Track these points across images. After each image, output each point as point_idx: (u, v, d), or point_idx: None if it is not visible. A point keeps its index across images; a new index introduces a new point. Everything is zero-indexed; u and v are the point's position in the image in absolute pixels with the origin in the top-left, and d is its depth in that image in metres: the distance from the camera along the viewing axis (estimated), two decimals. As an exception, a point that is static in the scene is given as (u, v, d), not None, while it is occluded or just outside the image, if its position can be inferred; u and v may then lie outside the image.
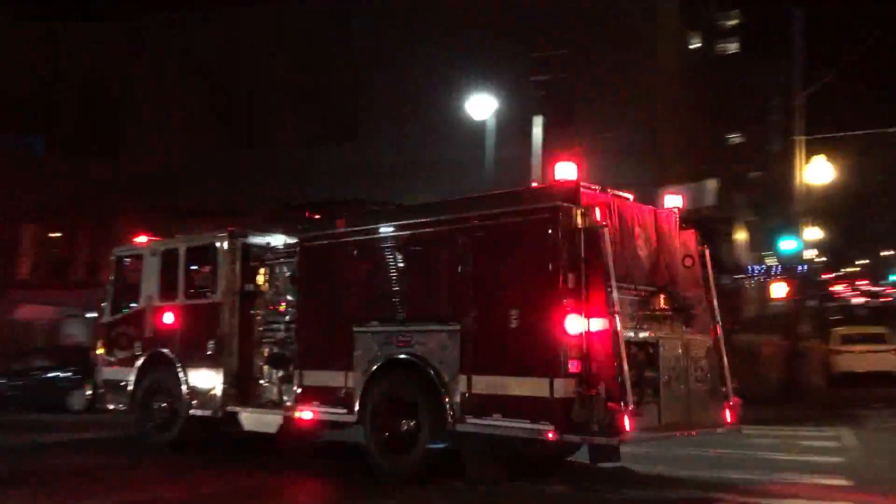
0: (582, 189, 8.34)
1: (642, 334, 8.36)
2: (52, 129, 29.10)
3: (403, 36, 24.94)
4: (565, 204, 8.09)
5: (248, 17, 27.61)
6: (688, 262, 9.28)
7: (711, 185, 24.53)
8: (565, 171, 8.34)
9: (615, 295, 7.81)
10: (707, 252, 9.56)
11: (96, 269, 25.66)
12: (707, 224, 16.33)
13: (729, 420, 8.95)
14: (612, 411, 7.52)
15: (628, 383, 7.65)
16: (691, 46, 28.73)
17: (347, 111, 26.28)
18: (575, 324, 7.81)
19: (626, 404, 7.54)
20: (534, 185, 9.08)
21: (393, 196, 20.23)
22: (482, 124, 19.66)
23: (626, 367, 7.67)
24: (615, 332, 7.69)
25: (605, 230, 8.05)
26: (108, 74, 28.56)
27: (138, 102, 28.09)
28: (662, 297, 8.70)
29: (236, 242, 11.41)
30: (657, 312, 8.61)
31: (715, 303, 9.27)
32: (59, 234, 29.39)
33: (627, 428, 7.52)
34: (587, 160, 9.25)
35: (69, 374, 20.31)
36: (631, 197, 9.16)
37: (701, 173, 25.39)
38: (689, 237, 9.47)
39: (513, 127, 20.43)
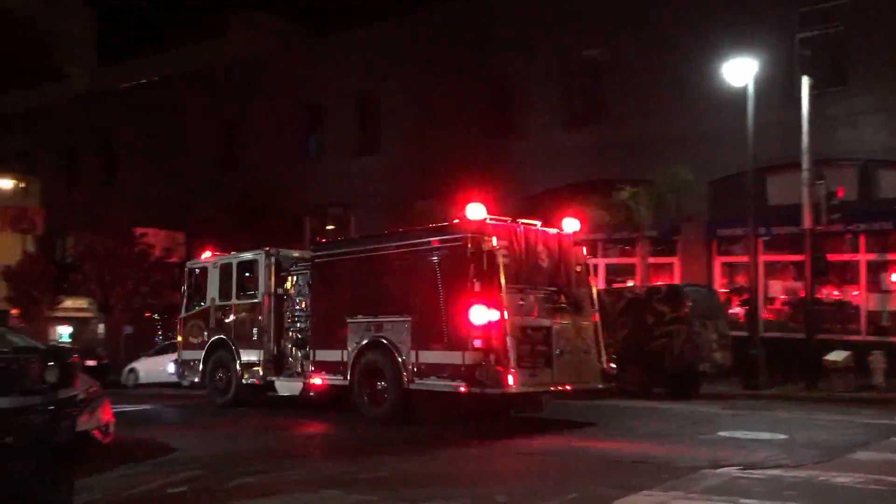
0: (488, 222, 12.15)
1: (542, 321, 12.44)
2: (326, 133, 31.82)
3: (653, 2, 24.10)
4: (473, 234, 11.94)
5: (500, 3, 27.63)
6: (578, 269, 13.34)
7: None
8: (475, 211, 12.08)
9: (505, 296, 11.74)
10: (590, 262, 13.96)
11: None
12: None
13: (601, 383, 13.15)
14: (499, 372, 11.66)
15: (511, 354, 11.60)
16: None
17: (596, 90, 25.70)
18: (478, 315, 11.75)
19: (509, 368, 11.59)
20: (455, 221, 12.46)
21: (644, 173, 21.89)
22: (739, 92, 18.65)
23: (509, 342, 11.66)
24: (504, 321, 11.77)
25: (500, 252, 11.87)
26: (367, 76, 30.10)
27: (393, 101, 29.60)
28: (561, 294, 12.76)
29: (271, 258, 16.19)
30: (556, 305, 12.65)
31: (595, 297, 13.43)
32: (333, 227, 31.14)
33: (511, 383, 11.64)
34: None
35: None
36: (538, 223, 13.13)
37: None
38: (580, 251, 13.54)
39: (776, 91, 19.81)
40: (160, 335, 34.62)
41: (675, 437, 11.54)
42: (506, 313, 11.74)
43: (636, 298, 18.61)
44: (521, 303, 12.16)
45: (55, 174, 40.04)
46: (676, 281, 22.58)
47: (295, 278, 15.77)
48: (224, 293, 16.87)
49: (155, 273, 30.90)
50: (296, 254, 16.54)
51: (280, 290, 16.01)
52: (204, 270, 17.55)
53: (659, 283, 21.67)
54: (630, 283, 23.58)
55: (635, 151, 23.68)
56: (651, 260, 23.13)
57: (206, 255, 17.96)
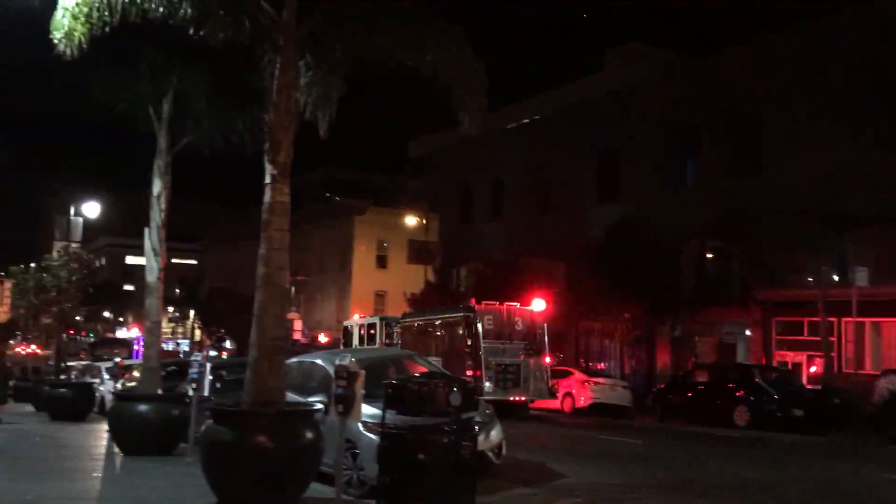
0: (479, 306, 22.35)
1: (515, 360, 21.81)
2: (704, 155, 30.91)
3: None
4: (466, 314, 22.15)
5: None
6: (539, 330, 22.78)
7: None
8: (467, 307, 22.68)
9: (483, 347, 21.42)
10: (546, 325, 23.22)
11: (749, 286, 27.30)
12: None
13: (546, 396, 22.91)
14: (477, 386, 16.73)
15: (484, 378, 20.93)
16: None
17: None
18: (471, 358, 20.67)
19: (482, 385, 20.42)
20: (461, 306, 23.69)
21: None
22: None
23: (484, 372, 21.07)
24: (483, 359, 21.07)
25: (480, 325, 21.58)
26: (746, 95, 29.03)
27: (781, 118, 27.84)
28: (526, 345, 22.25)
29: (383, 322, 27.08)
30: (524, 351, 22.16)
31: (546, 345, 22.92)
32: (711, 255, 30.85)
33: (486, 390, 20.30)
34: None
35: (730, 390, 21.71)
36: (518, 304, 23.11)
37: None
38: (541, 318, 22.80)
39: None
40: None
41: None
42: (482, 357, 21.25)
43: None
44: (501, 349, 21.72)
45: (451, 211, 44.28)
46: None
47: (395, 334, 25.79)
48: (360, 342, 27.63)
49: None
50: (395, 317, 27.10)
51: (388, 341, 25.90)
52: (351, 327, 29.22)
53: None
54: None
55: None
56: None
57: (356, 316, 29.75)
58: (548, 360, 22.83)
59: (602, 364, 32.03)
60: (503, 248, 35.82)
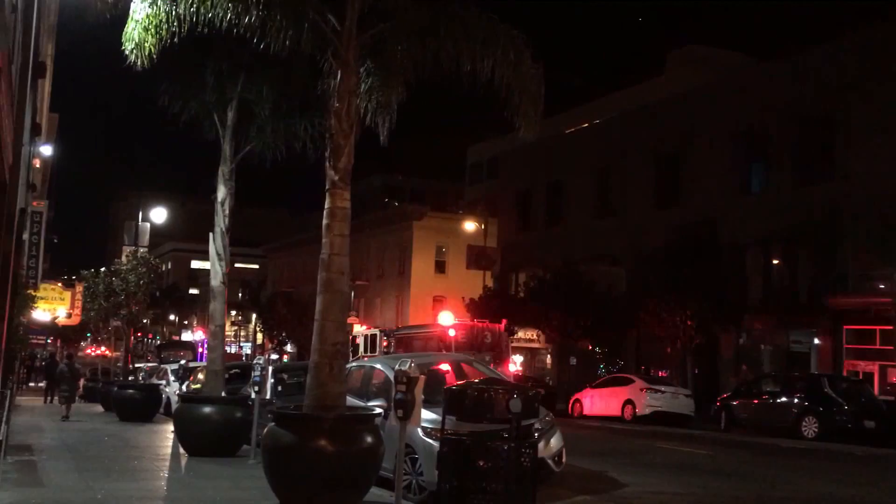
0: (452, 323, 29.23)
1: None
2: (771, 160, 29.84)
3: None
4: (441, 329, 28.44)
5: None
6: (504, 343, 28.59)
7: None
8: (444, 318, 31.18)
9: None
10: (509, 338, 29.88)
11: (817, 294, 26.56)
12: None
13: None
14: None
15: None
16: None
17: None
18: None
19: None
20: (437, 322, 28.21)
21: None
22: None
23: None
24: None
25: (453, 339, 27.01)
26: (817, 97, 27.98)
27: (858, 122, 26.67)
28: (493, 354, 25.78)
29: (384, 334, 32.93)
30: (491, 359, 23.09)
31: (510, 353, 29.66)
32: (777, 262, 29.77)
33: None
34: None
35: (798, 400, 21.05)
36: (487, 321, 29.20)
37: None
38: (505, 335, 28.86)
39: None
40: (602, 367, 35.79)
41: None
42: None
43: None
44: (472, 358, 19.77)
45: (510, 216, 44.17)
46: None
47: (392, 344, 30.74)
48: (364, 349, 32.62)
49: (597, 307, 32.09)
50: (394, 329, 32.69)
51: (385, 349, 30.63)
52: (357, 336, 34.10)
53: None
54: None
55: None
56: None
57: (362, 328, 33.49)
58: (511, 367, 29.23)
59: (664, 372, 31.50)
60: (562, 254, 35.52)
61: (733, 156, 31.44)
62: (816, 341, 27.41)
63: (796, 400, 21.35)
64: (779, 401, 21.94)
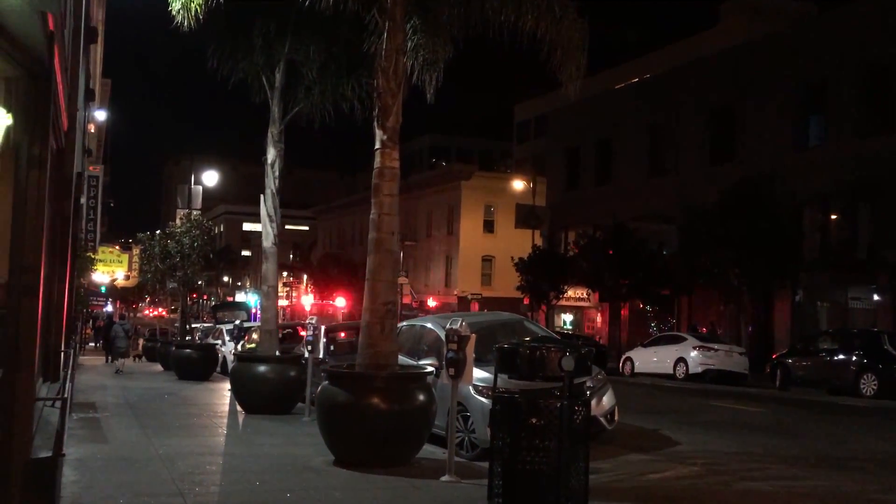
0: None
1: None
2: (831, 112, 28.98)
3: None
4: None
5: None
6: None
7: None
8: None
9: None
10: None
11: (877, 250, 25.82)
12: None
13: None
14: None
15: None
16: None
17: None
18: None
19: None
20: None
21: None
22: None
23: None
24: None
25: None
26: (880, 48, 26.91)
27: None
28: None
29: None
30: None
31: None
32: (836, 217, 29.21)
33: None
34: None
35: (856, 357, 20.64)
36: None
37: None
38: None
39: None
40: (653, 326, 35.51)
41: None
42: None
43: None
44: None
45: (558, 174, 43.71)
46: None
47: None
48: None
49: (648, 266, 31.74)
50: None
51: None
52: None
53: None
54: None
55: None
56: None
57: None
58: None
59: (719, 330, 31.11)
60: (612, 212, 35.08)
61: (791, 109, 30.51)
62: (876, 298, 26.75)
63: (855, 357, 20.90)
64: (836, 358, 21.51)
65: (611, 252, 32.34)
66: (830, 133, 29.23)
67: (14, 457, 5.01)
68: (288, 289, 69.39)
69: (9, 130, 5.32)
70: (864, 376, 20.22)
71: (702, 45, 39.71)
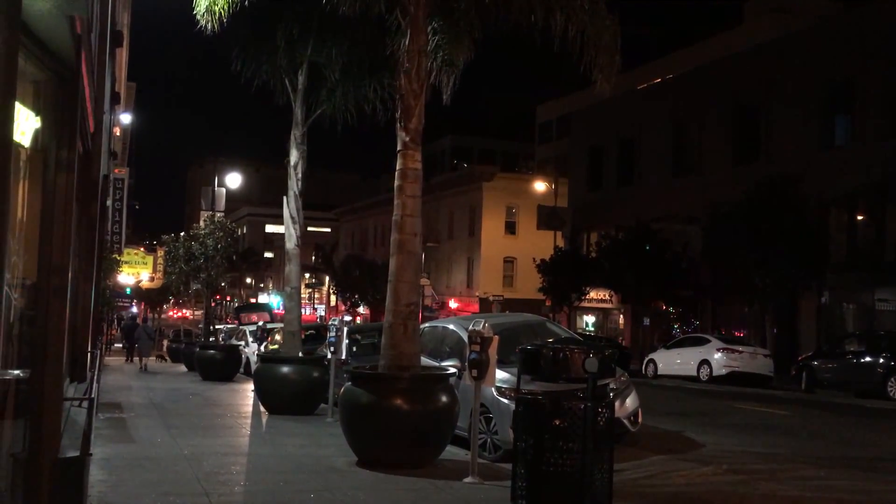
0: None
1: None
2: (857, 111, 28.74)
3: None
4: None
5: None
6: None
7: None
8: None
9: None
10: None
11: None
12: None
13: None
14: None
15: None
16: None
17: None
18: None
19: None
20: None
21: None
22: None
23: None
24: None
25: None
26: None
27: None
28: None
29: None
30: None
31: None
32: (863, 217, 28.97)
33: None
34: None
35: (884, 359, 20.37)
36: None
37: None
38: None
39: None
40: (676, 327, 35.24)
41: None
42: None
43: None
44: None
45: (581, 175, 43.53)
46: None
47: None
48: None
49: (671, 267, 31.51)
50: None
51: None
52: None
53: None
54: None
55: None
56: None
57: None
58: None
59: (742, 332, 30.81)
60: (635, 213, 34.89)
61: (816, 108, 30.17)
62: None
63: (882, 360, 20.60)
64: (863, 360, 21.24)
65: (633, 253, 32.14)
66: (857, 132, 28.88)
67: (43, 456, 5.06)
68: (310, 290, 69.65)
69: (37, 133, 5.39)
70: (892, 378, 19.94)
71: (726, 44, 39.39)
